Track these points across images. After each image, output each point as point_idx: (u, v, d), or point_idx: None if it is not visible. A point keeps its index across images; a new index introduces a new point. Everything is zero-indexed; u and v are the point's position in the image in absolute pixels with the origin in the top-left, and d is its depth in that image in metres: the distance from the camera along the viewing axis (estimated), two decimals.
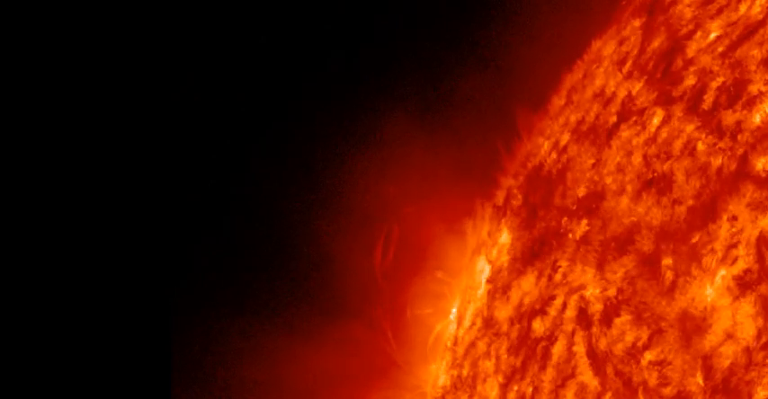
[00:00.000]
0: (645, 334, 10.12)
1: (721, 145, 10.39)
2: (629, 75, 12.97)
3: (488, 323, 13.76)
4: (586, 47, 15.21)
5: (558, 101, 15.25)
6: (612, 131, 12.46)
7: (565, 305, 11.63)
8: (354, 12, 17.83)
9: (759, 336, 9.01)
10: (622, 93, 12.76)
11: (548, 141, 14.54)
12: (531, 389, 11.71)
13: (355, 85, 18.05)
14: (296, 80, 18.22)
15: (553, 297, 11.95)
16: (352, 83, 18.05)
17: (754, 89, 10.44)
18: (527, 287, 12.87)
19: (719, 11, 11.68)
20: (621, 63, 13.47)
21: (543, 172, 14.17)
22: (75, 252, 10.95)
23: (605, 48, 14.39)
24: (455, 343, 15.28)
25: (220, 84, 17.80)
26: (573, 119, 14.04)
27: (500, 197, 15.47)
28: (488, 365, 13.22)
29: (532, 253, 13.17)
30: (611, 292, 10.90)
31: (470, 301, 15.48)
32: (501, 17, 17.30)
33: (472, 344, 14.18)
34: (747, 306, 9.23)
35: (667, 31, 12.51)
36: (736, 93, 10.59)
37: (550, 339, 11.65)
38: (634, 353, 10.15)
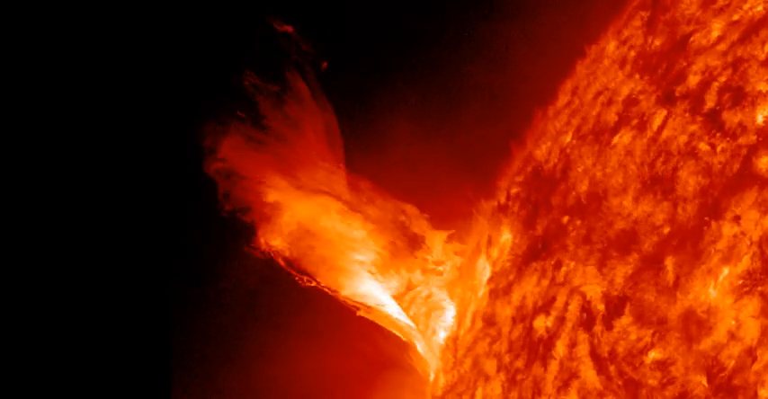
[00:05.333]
0: (647, 334, 10.11)
1: (724, 145, 10.37)
2: (630, 75, 12.96)
3: (489, 322, 13.75)
4: (588, 47, 15.21)
5: (559, 101, 15.25)
6: (614, 131, 12.46)
7: (567, 305, 11.61)
8: (357, 12, 17.83)
9: (762, 336, 9.00)
10: (624, 93, 12.75)
11: (549, 141, 14.54)
12: (532, 389, 11.69)
13: (357, 86, 18.04)
14: (294, 80, 18.19)
15: (555, 297, 11.94)
16: (353, 83, 18.04)
17: (755, 89, 10.42)
18: (529, 286, 12.86)
19: (721, 10, 11.66)
20: (623, 63, 13.47)
21: (545, 171, 14.17)
22: (76, 254, 10.95)
23: (607, 47, 14.38)
24: (456, 343, 15.27)
25: (215, 83, 17.78)
26: (575, 118, 14.03)
27: (501, 196, 15.46)
28: (490, 365, 13.21)
29: (534, 253, 13.16)
30: (614, 292, 10.88)
31: (471, 301, 15.47)
32: (503, 18, 17.31)
33: (473, 344, 14.17)
34: (750, 306, 9.22)
35: (669, 30, 12.50)
36: (738, 93, 10.57)
37: (552, 339, 11.64)
38: (637, 353, 10.14)
